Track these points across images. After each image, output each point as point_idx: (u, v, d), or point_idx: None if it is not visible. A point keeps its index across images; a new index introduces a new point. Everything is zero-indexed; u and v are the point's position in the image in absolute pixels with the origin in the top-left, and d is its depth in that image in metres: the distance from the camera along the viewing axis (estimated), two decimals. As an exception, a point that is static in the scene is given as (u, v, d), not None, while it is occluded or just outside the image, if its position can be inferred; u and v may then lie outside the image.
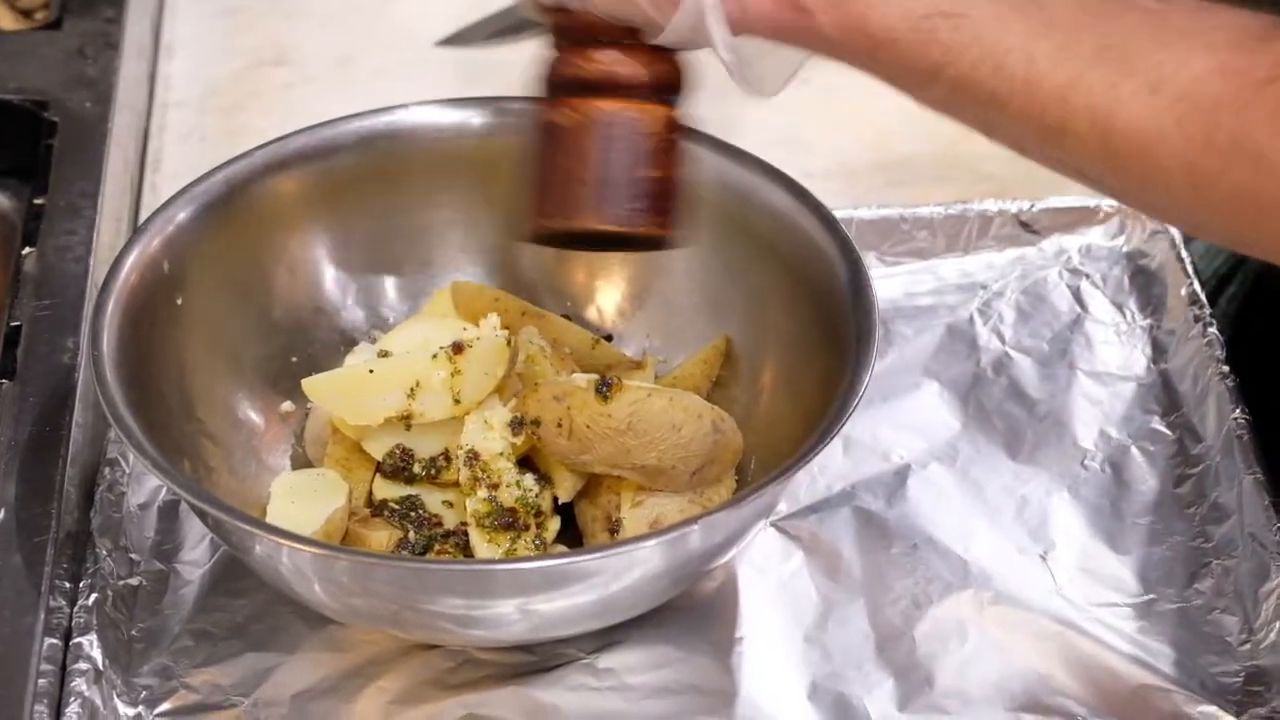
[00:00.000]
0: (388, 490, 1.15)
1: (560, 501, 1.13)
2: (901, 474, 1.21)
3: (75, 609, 1.11)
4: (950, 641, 1.12)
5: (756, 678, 1.10)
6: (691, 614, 1.13)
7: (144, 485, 1.20)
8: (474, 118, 1.23)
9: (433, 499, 1.15)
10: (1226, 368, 1.22)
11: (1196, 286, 1.28)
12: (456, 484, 1.14)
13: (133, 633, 1.12)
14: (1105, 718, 1.08)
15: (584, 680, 1.10)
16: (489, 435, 1.11)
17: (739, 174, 1.19)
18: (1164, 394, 1.26)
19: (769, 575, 1.15)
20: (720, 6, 0.97)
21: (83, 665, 1.08)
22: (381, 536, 1.13)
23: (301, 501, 1.11)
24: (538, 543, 1.11)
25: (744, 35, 0.99)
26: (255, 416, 1.20)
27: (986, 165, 1.38)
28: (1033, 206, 1.35)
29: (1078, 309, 1.31)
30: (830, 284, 1.13)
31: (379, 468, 1.16)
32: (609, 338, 1.25)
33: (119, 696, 1.09)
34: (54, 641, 1.09)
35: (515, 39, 1.56)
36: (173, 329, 1.16)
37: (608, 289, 1.26)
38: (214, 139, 1.49)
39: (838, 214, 1.17)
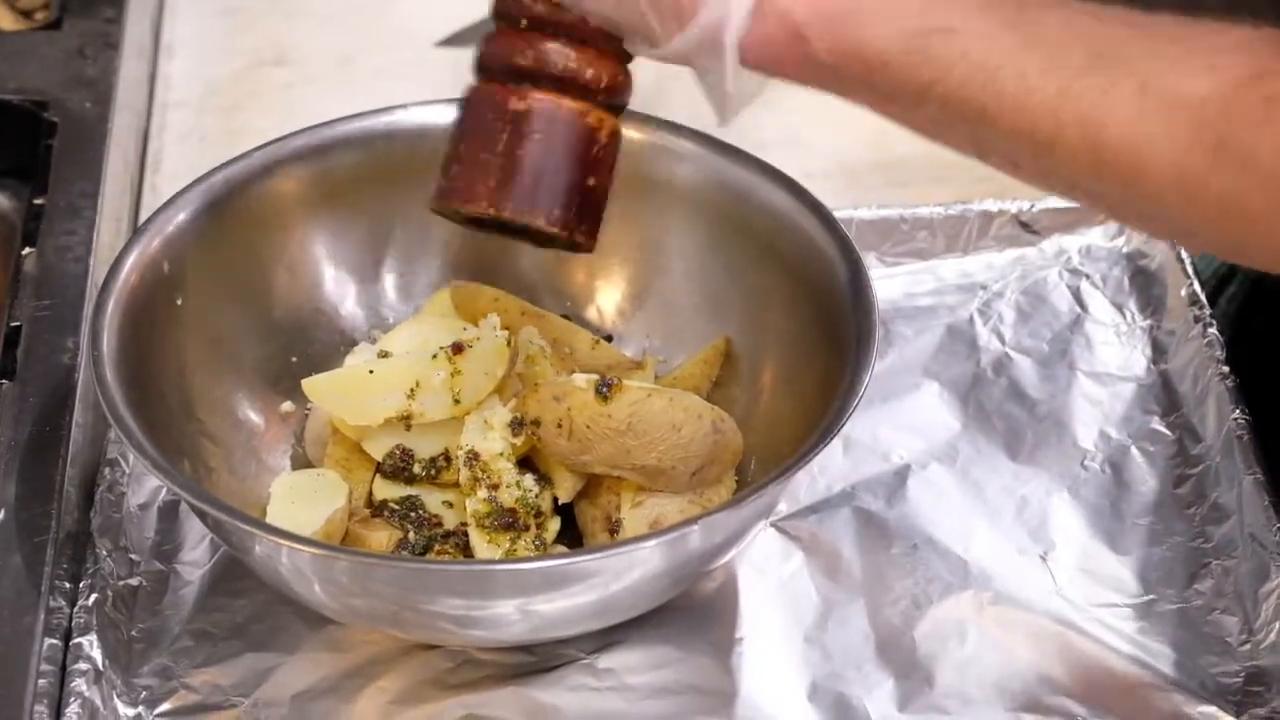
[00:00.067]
0: (388, 490, 1.15)
1: (560, 502, 1.13)
2: (901, 474, 1.21)
3: (75, 609, 1.11)
4: (950, 642, 1.12)
5: (756, 678, 1.10)
6: (691, 614, 1.13)
7: (144, 485, 1.20)
8: (474, 118, 1.23)
9: (433, 499, 1.15)
10: (1226, 368, 1.22)
11: (1196, 287, 1.28)
12: (456, 484, 1.14)
13: (133, 633, 1.12)
14: (1105, 718, 1.08)
15: (584, 680, 1.10)
16: (489, 435, 1.11)
17: (739, 174, 1.19)
18: (1164, 394, 1.26)
19: (769, 575, 1.15)
20: (740, 35, 0.96)
21: (83, 665, 1.08)
22: (381, 537, 1.13)
23: (301, 502, 1.11)
24: (538, 543, 1.11)
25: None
26: (255, 417, 1.20)
27: (986, 166, 1.37)
28: (1032, 207, 1.35)
29: (1078, 309, 1.31)
30: (830, 284, 1.13)
31: (379, 468, 1.16)
32: (609, 338, 1.25)
33: (119, 697, 1.09)
34: (54, 642, 1.09)
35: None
36: (173, 329, 1.16)
37: (608, 289, 1.26)
38: (214, 139, 1.49)
39: (838, 214, 1.17)
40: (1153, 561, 1.16)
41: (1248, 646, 1.11)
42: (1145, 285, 1.33)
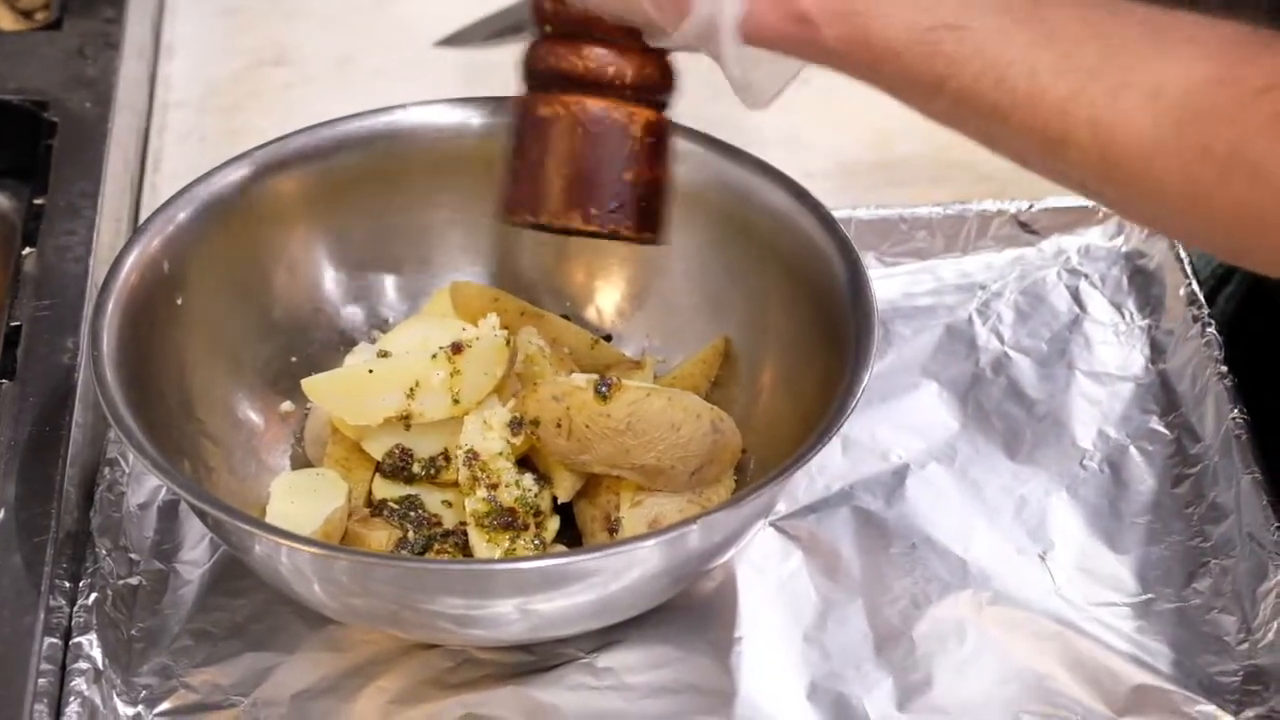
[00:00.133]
0: (387, 490, 1.16)
1: (559, 501, 1.14)
2: (900, 474, 1.21)
3: (75, 609, 1.11)
4: (949, 641, 1.12)
5: (755, 677, 1.10)
6: (691, 614, 1.13)
7: (144, 485, 1.20)
8: (474, 118, 1.23)
9: (432, 499, 1.15)
10: (1225, 368, 1.22)
11: (1195, 286, 1.29)
12: (456, 484, 1.14)
13: (132, 632, 1.12)
14: (1104, 717, 1.08)
15: (583, 680, 1.10)
16: (488, 435, 1.12)
17: (739, 174, 1.19)
18: (1162, 394, 1.26)
19: (768, 575, 1.15)
20: (735, 20, 0.97)
21: (82, 665, 1.08)
22: (381, 536, 1.13)
23: (301, 501, 1.12)
24: (537, 542, 1.11)
25: (749, 47, 0.99)
26: (255, 416, 1.20)
27: (985, 165, 1.36)
28: (1031, 207, 1.35)
29: (1076, 309, 1.32)
30: (829, 284, 1.13)
31: (378, 467, 1.16)
32: (608, 338, 1.25)
33: (119, 696, 1.09)
34: (54, 641, 1.09)
35: (515, 39, 1.56)
36: (173, 329, 1.16)
37: (607, 289, 1.26)
38: (214, 139, 1.49)
39: (837, 214, 1.17)
40: (1151, 561, 1.16)
41: (1246, 645, 1.11)
42: (1144, 285, 1.33)
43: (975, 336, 1.30)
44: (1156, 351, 1.28)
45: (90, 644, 1.09)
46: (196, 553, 1.17)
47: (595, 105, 1.03)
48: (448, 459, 1.15)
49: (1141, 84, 0.89)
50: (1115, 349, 1.29)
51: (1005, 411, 1.25)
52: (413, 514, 1.14)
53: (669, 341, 1.25)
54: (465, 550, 1.12)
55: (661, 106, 1.06)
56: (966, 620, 1.13)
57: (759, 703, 1.09)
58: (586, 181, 1.04)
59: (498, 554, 1.10)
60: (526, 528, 1.11)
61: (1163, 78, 0.89)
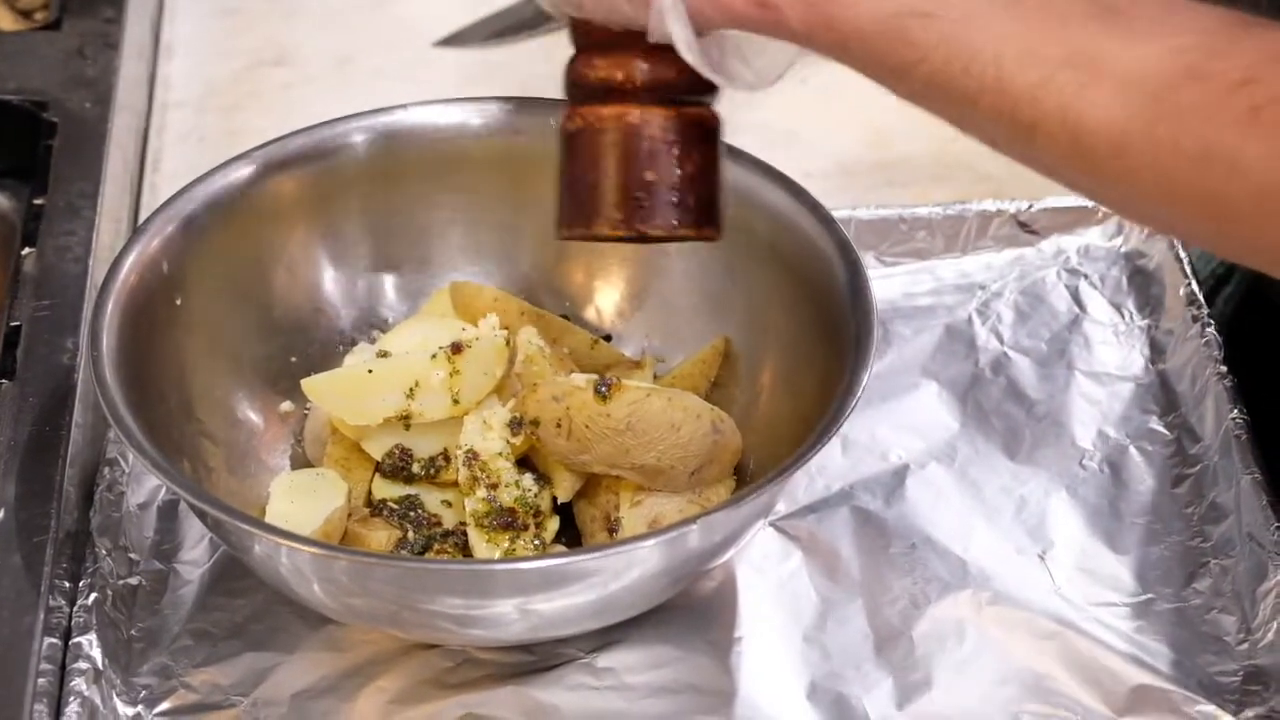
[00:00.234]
0: (387, 490, 1.16)
1: (559, 501, 1.14)
2: (900, 474, 1.21)
3: (75, 609, 1.11)
4: (949, 641, 1.12)
5: (755, 677, 1.10)
6: (690, 614, 1.13)
7: (144, 485, 1.20)
8: (474, 118, 1.23)
9: (432, 499, 1.15)
10: (1224, 368, 1.22)
11: (1195, 286, 1.29)
12: (455, 484, 1.14)
13: (132, 632, 1.12)
14: (1103, 717, 1.08)
15: (583, 680, 1.10)
16: (488, 435, 1.12)
17: (738, 174, 1.18)
18: (1162, 394, 1.26)
19: (768, 575, 1.15)
20: (680, 5, 0.96)
21: (82, 665, 1.08)
22: (380, 536, 1.13)
23: (301, 501, 1.12)
24: (536, 542, 1.11)
25: (712, 30, 0.98)
26: (255, 416, 1.20)
27: (985, 165, 1.38)
28: (1031, 207, 1.35)
29: (1076, 309, 1.32)
30: (829, 284, 1.13)
31: (378, 467, 1.16)
32: (608, 338, 1.25)
33: (118, 696, 1.09)
34: (54, 641, 1.09)
35: (515, 39, 1.57)
36: (173, 329, 1.16)
37: (607, 289, 1.26)
38: (214, 139, 1.49)
39: (836, 214, 1.17)
40: (1151, 561, 1.16)
41: (1245, 645, 1.11)
42: (1143, 285, 1.33)
43: (975, 336, 1.30)
44: (1156, 351, 1.28)
45: (90, 644, 1.09)
46: (196, 553, 1.17)
47: (604, 111, 1.03)
48: (447, 459, 1.15)
49: (1113, 73, 0.88)
50: (1115, 349, 1.29)
51: (1005, 411, 1.25)
52: (412, 514, 1.14)
53: (669, 342, 1.25)
54: (465, 550, 1.12)
55: (696, 104, 1.05)
56: (966, 620, 1.13)
57: (759, 703, 1.09)
58: (614, 188, 1.03)
59: (497, 554, 1.10)
60: (526, 528, 1.11)
61: (1135, 67, 0.88)
